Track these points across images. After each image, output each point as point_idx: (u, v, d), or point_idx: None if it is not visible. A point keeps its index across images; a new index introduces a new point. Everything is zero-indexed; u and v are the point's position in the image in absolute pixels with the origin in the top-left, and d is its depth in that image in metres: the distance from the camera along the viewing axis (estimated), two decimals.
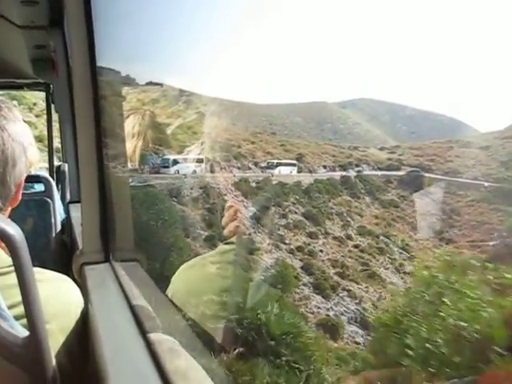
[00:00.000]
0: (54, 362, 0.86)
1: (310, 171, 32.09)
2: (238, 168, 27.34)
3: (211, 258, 1.42)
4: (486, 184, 32.18)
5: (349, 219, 27.95)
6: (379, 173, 33.99)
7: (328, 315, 19.81)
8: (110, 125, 1.43)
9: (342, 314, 20.29)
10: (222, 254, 1.40)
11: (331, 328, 18.32)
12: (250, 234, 22.09)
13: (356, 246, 25.55)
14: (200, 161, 24.05)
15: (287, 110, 62.69)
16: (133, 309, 0.97)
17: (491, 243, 29.26)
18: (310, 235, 24.49)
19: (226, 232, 1.42)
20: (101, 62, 1.33)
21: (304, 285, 21.11)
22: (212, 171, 24.87)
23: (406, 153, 37.86)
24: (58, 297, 1.03)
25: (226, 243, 1.40)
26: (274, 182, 26.72)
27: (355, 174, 32.61)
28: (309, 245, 23.68)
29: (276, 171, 28.73)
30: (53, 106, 3.78)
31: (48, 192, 2.62)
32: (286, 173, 29.31)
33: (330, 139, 52.09)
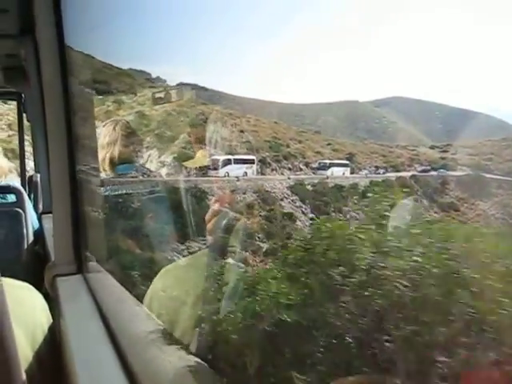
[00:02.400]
0: (23, 376, 0.82)
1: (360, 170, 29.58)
2: (289, 169, 24.75)
3: (189, 261, 1.37)
4: None
5: None
6: (434, 173, 31.31)
7: None
8: (83, 133, 1.33)
9: None
10: (198, 257, 1.30)
11: None
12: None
13: None
14: (251, 162, 21.58)
15: (318, 109, 60.32)
16: (105, 320, 0.90)
17: None
18: None
19: (208, 228, 1.33)
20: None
21: None
22: (263, 173, 22.40)
23: (459, 151, 35.09)
24: (21, 305, 0.97)
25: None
26: (330, 185, 24.07)
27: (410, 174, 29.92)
28: None
29: (329, 172, 26.06)
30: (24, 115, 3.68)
31: (20, 203, 2.55)
32: (338, 174, 26.63)
33: (365, 138, 49.50)
